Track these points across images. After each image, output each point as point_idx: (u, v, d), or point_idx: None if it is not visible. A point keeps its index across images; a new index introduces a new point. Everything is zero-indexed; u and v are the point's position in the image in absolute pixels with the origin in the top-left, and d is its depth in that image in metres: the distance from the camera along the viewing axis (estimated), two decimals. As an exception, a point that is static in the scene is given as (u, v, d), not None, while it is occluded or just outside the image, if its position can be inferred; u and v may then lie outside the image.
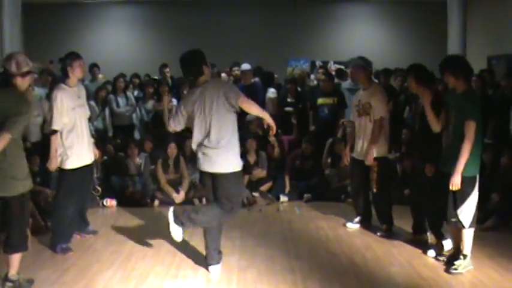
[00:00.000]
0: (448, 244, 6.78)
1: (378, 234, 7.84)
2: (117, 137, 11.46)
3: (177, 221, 6.19)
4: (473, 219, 6.23)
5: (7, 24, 14.08)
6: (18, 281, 5.79)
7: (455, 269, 6.29)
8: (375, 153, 7.66)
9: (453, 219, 6.27)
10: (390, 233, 7.78)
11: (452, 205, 6.22)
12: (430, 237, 7.17)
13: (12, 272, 5.77)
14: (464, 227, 6.23)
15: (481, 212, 8.02)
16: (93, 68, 13.03)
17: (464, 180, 6.09)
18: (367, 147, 7.75)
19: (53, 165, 7.07)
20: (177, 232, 6.21)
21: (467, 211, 6.18)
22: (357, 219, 8.31)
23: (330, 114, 11.07)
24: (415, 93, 7.15)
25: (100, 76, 13.27)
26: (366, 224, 8.23)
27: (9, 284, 5.76)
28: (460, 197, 6.16)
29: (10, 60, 5.56)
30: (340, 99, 11.13)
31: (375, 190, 7.81)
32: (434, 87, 6.69)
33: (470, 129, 6.02)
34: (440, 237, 6.89)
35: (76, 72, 7.22)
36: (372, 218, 8.22)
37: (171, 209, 6.30)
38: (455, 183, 6.05)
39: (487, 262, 6.68)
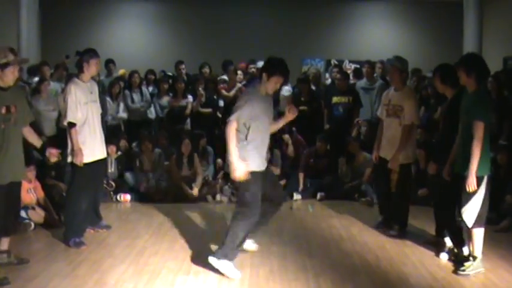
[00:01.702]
0: (466, 251, 6.67)
1: (391, 233, 7.82)
2: (132, 132, 11.47)
3: (220, 258, 6.16)
4: (477, 220, 6.16)
5: (24, 18, 14.16)
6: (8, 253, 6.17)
7: (463, 270, 6.24)
8: (400, 159, 7.63)
9: (458, 219, 6.25)
10: (403, 234, 7.74)
11: (458, 205, 6.20)
12: (448, 242, 7.07)
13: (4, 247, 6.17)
14: (468, 226, 6.20)
15: (495, 213, 8.03)
16: (109, 63, 13.05)
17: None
18: (394, 153, 7.68)
19: (79, 159, 7.06)
20: (229, 269, 6.16)
21: (471, 210, 6.14)
22: (381, 219, 8.26)
23: (345, 112, 11.05)
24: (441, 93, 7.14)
25: (121, 72, 13.29)
26: (386, 224, 8.09)
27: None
28: (465, 196, 6.13)
29: None
30: (355, 98, 11.10)
31: (393, 190, 7.79)
32: (459, 88, 6.63)
33: (479, 130, 5.98)
34: (459, 243, 6.72)
35: (91, 70, 7.28)
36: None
37: (210, 258, 6.21)
38: (471, 183, 6.02)
39: (500, 263, 6.65)
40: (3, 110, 5.66)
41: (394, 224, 7.91)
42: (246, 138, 6.21)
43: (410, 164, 7.86)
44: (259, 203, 6.27)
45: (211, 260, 6.17)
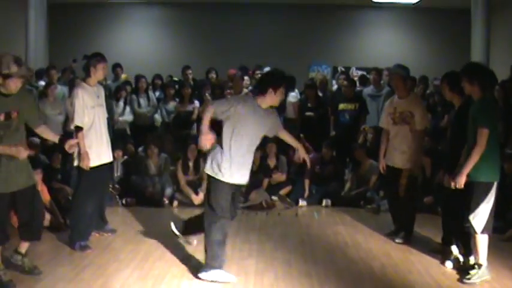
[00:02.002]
0: (473, 260, 6.64)
1: (396, 240, 7.81)
2: (138, 137, 11.48)
3: (212, 268, 6.14)
4: (486, 226, 6.15)
5: (33, 23, 14.21)
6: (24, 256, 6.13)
7: (469, 278, 6.22)
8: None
9: (467, 224, 6.23)
10: (408, 241, 7.74)
11: (466, 210, 6.19)
12: (454, 250, 7.04)
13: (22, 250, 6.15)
14: (476, 232, 6.17)
15: (502, 222, 8.00)
16: (116, 68, 13.10)
17: (480, 185, 6.09)
18: (408, 156, 7.68)
19: (85, 162, 7.06)
20: (221, 276, 6.14)
21: (480, 216, 6.12)
22: (394, 228, 8.20)
23: (351, 119, 11.06)
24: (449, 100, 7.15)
25: (123, 76, 13.32)
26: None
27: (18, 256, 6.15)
28: (474, 201, 6.11)
29: None
30: (361, 105, 11.11)
31: (401, 195, 7.78)
32: (467, 96, 6.63)
33: (482, 136, 5.99)
34: (465, 252, 6.69)
35: (98, 74, 7.28)
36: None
37: (200, 275, 6.18)
38: (459, 181, 6.09)
39: (506, 273, 6.61)
40: (2, 117, 5.59)
41: (401, 230, 7.92)
42: (229, 146, 6.12)
43: (418, 173, 7.84)
44: (225, 206, 6.15)
45: (202, 275, 6.15)
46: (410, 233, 7.83)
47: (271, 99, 6.18)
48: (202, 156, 10.27)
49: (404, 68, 7.95)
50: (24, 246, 6.18)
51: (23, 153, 5.73)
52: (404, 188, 7.73)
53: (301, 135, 11.02)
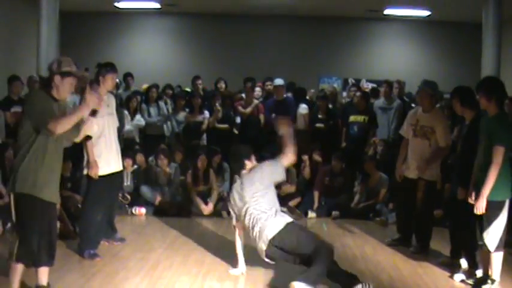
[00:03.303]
0: (479, 273, 6.63)
1: (411, 250, 7.86)
2: (148, 146, 11.50)
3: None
4: (499, 243, 6.13)
5: (44, 31, 14.24)
6: None
7: (481, 293, 6.22)
8: (427, 175, 7.73)
9: (480, 242, 6.21)
10: (425, 251, 7.79)
11: (480, 228, 6.17)
12: (463, 263, 7.03)
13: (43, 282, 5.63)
14: (490, 250, 6.15)
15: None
16: (127, 77, 13.15)
17: (492, 204, 6.05)
18: (424, 169, 7.72)
19: (94, 171, 7.10)
20: None
21: (493, 234, 6.10)
22: (397, 236, 8.31)
23: (360, 132, 11.09)
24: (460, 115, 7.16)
25: (144, 87, 13.31)
26: (404, 243, 8.17)
27: None
28: (487, 220, 6.09)
29: (53, 61, 5.61)
30: (370, 118, 11.11)
31: (418, 207, 7.81)
32: (478, 109, 6.64)
33: (498, 154, 5.96)
34: (473, 265, 6.71)
35: (106, 84, 7.33)
36: (411, 237, 8.17)
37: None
38: (480, 206, 6.04)
39: (516, 287, 6.60)
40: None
41: (416, 241, 7.96)
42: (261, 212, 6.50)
43: (435, 182, 7.84)
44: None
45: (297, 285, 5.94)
46: (427, 245, 7.88)
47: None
48: (212, 167, 10.34)
49: (432, 83, 8.03)
50: (43, 275, 5.59)
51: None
52: (421, 200, 7.75)
53: (306, 157, 10.95)
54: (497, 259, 6.21)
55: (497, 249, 6.15)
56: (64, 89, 5.51)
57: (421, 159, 7.74)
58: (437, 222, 8.94)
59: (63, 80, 5.46)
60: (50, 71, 5.49)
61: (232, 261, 6.93)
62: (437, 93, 8.06)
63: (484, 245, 6.14)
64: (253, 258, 7.03)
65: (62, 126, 5.26)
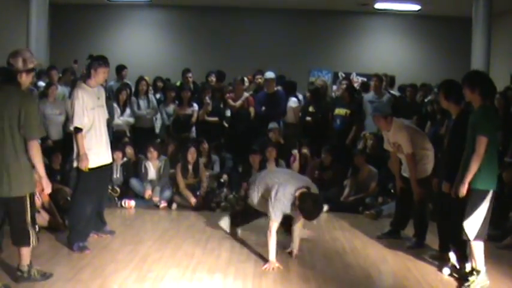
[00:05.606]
0: (469, 267, 6.65)
1: (407, 244, 7.90)
2: (138, 139, 11.47)
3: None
4: (479, 233, 6.13)
5: (34, 23, 14.21)
6: (28, 272, 5.87)
7: (468, 285, 6.22)
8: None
9: (461, 230, 6.24)
10: (421, 244, 7.86)
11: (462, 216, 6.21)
12: (452, 257, 7.05)
13: (23, 263, 5.89)
14: (469, 239, 6.17)
15: (499, 230, 8.02)
16: (122, 70, 13.06)
17: (476, 192, 6.08)
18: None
19: (84, 164, 7.08)
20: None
21: (473, 223, 6.11)
22: (387, 230, 8.44)
23: (341, 125, 11.16)
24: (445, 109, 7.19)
25: (146, 78, 13.25)
26: (394, 235, 8.30)
27: (18, 273, 5.89)
28: (469, 208, 6.12)
29: (17, 57, 5.61)
30: (352, 112, 11.16)
31: (416, 202, 7.92)
32: (465, 104, 6.67)
33: (481, 144, 6.00)
34: (462, 258, 6.67)
35: (97, 78, 7.28)
36: (401, 231, 8.33)
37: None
38: (460, 190, 6.10)
39: (505, 280, 6.62)
40: None
41: (414, 236, 8.06)
42: None
43: (428, 177, 7.88)
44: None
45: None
46: (424, 237, 7.95)
47: None
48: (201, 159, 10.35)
49: (380, 107, 8.60)
50: (25, 258, 5.88)
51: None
52: (417, 196, 7.85)
53: (295, 150, 10.98)
54: (477, 249, 6.20)
55: (477, 238, 6.15)
56: (28, 83, 5.79)
57: (407, 167, 7.94)
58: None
59: (28, 75, 5.58)
60: (16, 68, 5.57)
61: (230, 255, 6.99)
62: (388, 111, 8.28)
63: (464, 233, 6.16)
64: (242, 250, 7.06)
65: (34, 152, 5.63)
